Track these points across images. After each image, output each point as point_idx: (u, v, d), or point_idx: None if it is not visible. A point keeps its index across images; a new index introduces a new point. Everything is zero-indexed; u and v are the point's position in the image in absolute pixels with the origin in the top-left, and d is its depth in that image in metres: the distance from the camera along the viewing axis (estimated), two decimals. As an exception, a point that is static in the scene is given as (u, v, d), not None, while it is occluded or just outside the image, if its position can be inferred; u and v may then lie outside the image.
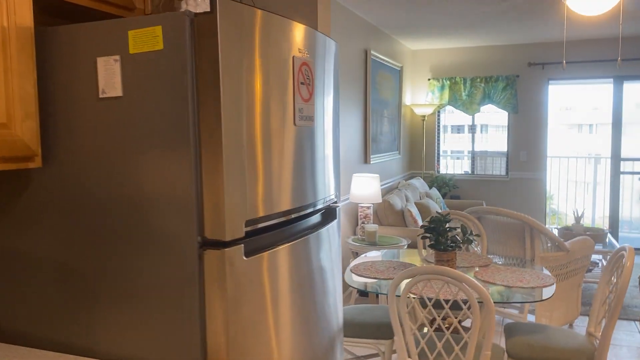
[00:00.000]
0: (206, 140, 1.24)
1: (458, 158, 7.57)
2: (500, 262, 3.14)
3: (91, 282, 1.38)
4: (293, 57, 1.46)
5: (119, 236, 1.34)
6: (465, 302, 2.28)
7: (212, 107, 1.22)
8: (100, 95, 1.30)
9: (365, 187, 4.23)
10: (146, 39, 1.24)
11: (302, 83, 1.49)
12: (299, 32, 1.49)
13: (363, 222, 4.30)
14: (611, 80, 6.67)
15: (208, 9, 1.44)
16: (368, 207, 4.30)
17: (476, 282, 2.13)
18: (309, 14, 1.96)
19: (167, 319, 1.30)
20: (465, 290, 2.16)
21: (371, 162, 5.46)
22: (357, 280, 2.78)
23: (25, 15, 1.29)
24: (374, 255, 3.41)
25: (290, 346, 1.50)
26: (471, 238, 2.91)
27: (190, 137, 1.24)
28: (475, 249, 3.51)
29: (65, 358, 1.37)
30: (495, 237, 4.05)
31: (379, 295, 3.65)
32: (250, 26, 1.30)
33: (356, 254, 4.13)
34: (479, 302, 2.21)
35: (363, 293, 4.38)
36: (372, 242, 4.04)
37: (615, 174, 6.84)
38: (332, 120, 1.79)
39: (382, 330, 2.79)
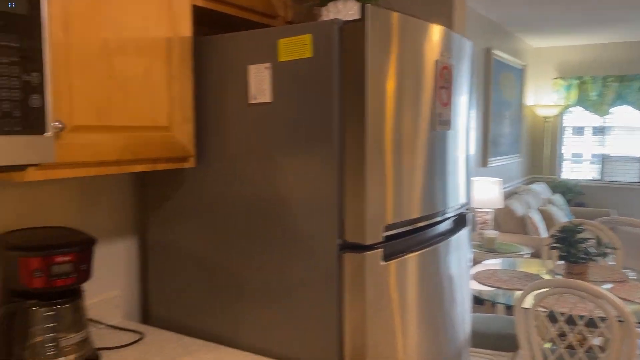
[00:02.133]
0: (350, 145, 1.26)
1: (582, 162, 7.04)
2: (634, 278, 2.88)
3: (236, 278, 1.46)
4: (436, 61, 1.44)
5: (262, 235, 1.40)
6: (602, 320, 2.12)
7: (356, 113, 1.24)
8: (251, 101, 1.37)
9: (485, 192, 4.08)
10: (296, 47, 1.29)
11: (441, 87, 1.47)
12: (438, 34, 1.47)
13: (481, 228, 4.15)
14: None
15: (351, 15, 1.47)
16: (487, 213, 4.14)
17: (617, 299, 1.97)
18: (445, 13, 1.92)
19: (306, 318, 1.34)
20: (603, 308, 2.01)
21: (489, 166, 5.26)
22: (477, 288, 2.70)
23: (186, 26, 1.39)
24: (492, 262, 3.29)
25: (417, 354, 1.48)
26: (607, 251, 2.70)
27: (334, 141, 1.27)
28: (612, 263, 3.24)
29: (214, 347, 1.45)
30: (631, 251, 3.72)
31: (495, 304, 3.51)
32: (393, 31, 1.30)
33: (472, 260, 4.00)
34: (619, 321, 2.04)
35: (478, 301, 4.23)
36: (491, 249, 3.88)
37: None
38: (465, 123, 1.74)
39: (503, 342, 2.68)
